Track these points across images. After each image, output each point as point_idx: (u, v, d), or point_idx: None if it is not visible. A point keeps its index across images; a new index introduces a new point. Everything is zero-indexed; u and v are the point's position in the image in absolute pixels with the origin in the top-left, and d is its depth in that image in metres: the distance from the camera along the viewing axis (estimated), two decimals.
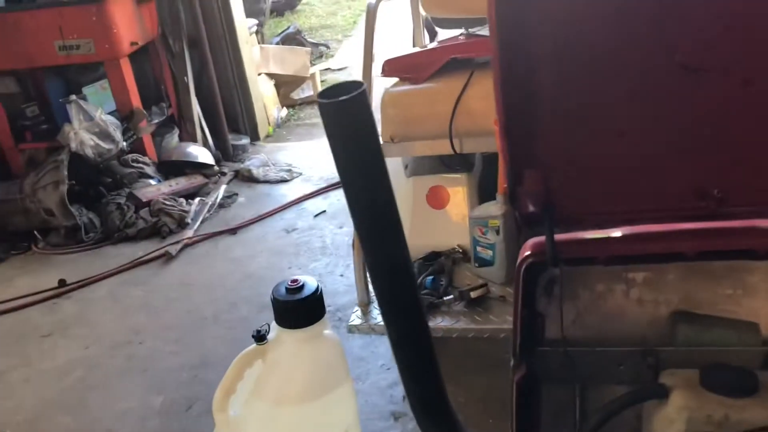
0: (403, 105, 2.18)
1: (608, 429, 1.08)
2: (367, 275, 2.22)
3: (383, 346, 2.59)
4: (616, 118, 1.07)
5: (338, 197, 3.83)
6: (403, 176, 2.41)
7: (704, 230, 1.07)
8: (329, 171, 4.11)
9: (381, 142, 2.25)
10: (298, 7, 8.53)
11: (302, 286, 1.78)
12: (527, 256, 1.06)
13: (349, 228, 3.47)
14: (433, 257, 2.31)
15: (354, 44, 6.85)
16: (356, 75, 6.06)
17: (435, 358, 1.04)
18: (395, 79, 2.27)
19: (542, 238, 1.08)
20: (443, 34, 2.89)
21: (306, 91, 5.45)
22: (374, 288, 0.98)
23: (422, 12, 2.79)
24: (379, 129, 2.26)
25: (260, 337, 1.79)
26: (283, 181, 4.10)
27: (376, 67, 2.28)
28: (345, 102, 0.78)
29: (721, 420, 0.97)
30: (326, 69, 6.14)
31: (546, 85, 1.03)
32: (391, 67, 2.22)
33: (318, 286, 1.79)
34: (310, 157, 4.36)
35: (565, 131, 1.05)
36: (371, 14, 2.30)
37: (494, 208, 2.11)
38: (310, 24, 7.88)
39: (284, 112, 5.16)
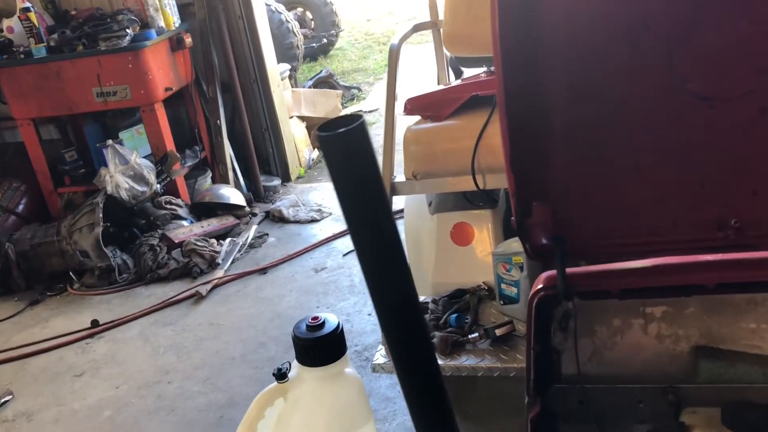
0: (425, 142, 2.18)
1: None
2: None
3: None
4: (630, 149, 1.05)
5: None
6: (427, 213, 2.41)
7: (724, 261, 1.04)
8: None
9: (398, 178, 2.26)
10: (331, 52, 8.71)
11: (323, 323, 1.77)
12: (539, 290, 1.04)
13: None
14: (458, 294, 2.28)
15: (383, 87, 6.95)
16: None
17: (448, 401, 1.01)
18: (417, 118, 2.28)
19: (555, 272, 1.06)
20: (468, 73, 2.91)
21: None
22: (380, 325, 0.97)
23: (446, 53, 2.82)
24: (402, 167, 2.27)
25: (281, 375, 1.78)
26: (313, 221, 4.12)
27: (399, 107, 2.30)
28: (344, 134, 0.78)
29: None
30: (358, 111, 6.22)
31: (556, 116, 1.03)
32: (413, 105, 2.24)
33: (339, 323, 1.78)
34: None
35: (576, 162, 1.04)
36: (394, 55, 2.32)
37: (517, 245, 2.07)
38: (342, 68, 8.02)
39: (315, 153, 5.22)
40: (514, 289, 2.13)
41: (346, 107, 5.98)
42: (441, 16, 2.74)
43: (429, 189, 2.23)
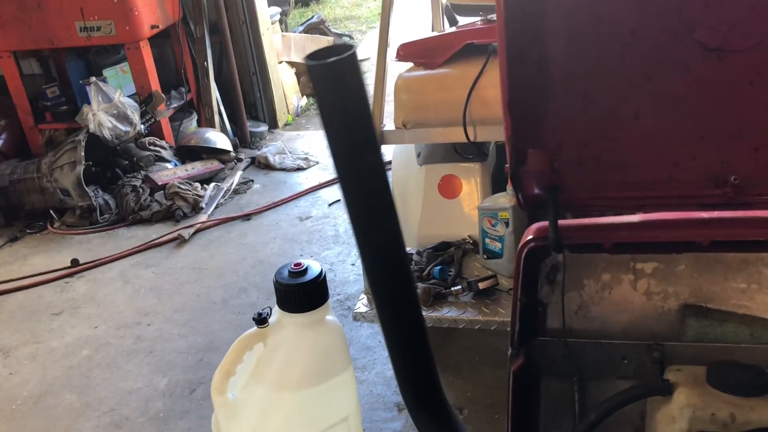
0: (417, 90, 2.13)
1: (610, 424, 1.03)
2: None
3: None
4: (630, 98, 1.02)
5: None
6: (415, 164, 2.37)
7: (720, 219, 1.01)
8: None
9: (387, 126, 2.20)
10: None
11: (306, 270, 1.74)
12: (529, 240, 1.02)
13: None
14: (443, 247, 2.26)
15: (377, 36, 6.81)
16: None
17: (428, 345, 0.99)
18: (410, 65, 2.22)
19: (546, 223, 1.03)
20: (463, 21, 2.84)
21: None
22: (364, 267, 0.94)
23: None
24: (392, 116, 2.22)
25: (261, 320, 1.76)
26: (300, 169, 4.07)
27: (391, 53, 2.23)
28: (335, 63, 0.74)
29: (726, 420, 0.91)
30: None
31: (556, 60, 0.99)
32: (406, 52, 2.17)
33: (322, 270, 1.76)
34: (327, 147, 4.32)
35: (576, 110, 1.00)
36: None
37: (504, 200, 2.05)
38: (334, 15, 7.84)
39: (304, 100, 5.13)
40: (498, 244, 2.11)
41: None
42: None
43: (418, 139, 2.19)
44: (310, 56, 0.77)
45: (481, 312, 2.01)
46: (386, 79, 2.20)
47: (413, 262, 2.19)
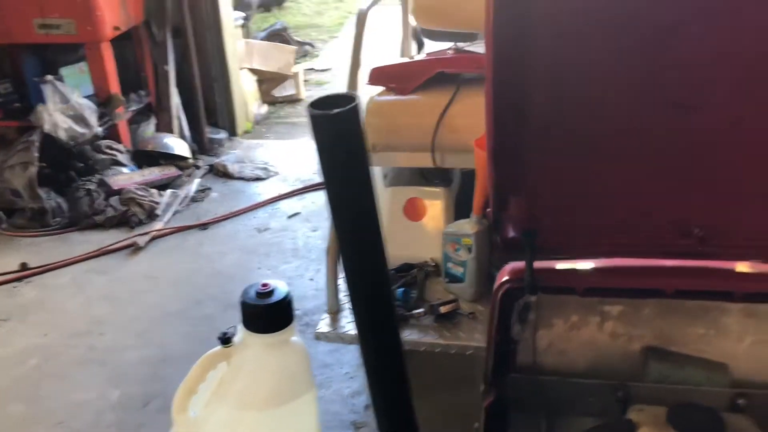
0: (388, 115, 2.16)
1: None
2: (338, 283, 2.20)
3: (349, 354, 2.57)
4: (604, 150, 1.07)
5: (313, 199, 3.80)
6: (381, 185, 2.40)
7: (683, 268, 1.08)
8: (306, 172, 4.08)
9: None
10: (286, 4, 8.48)
11: (272, 291, 1.75)
12: (505, 281, 1.06)
13: (322, 231, 3.45)
14: (405, 268, 2.29)
15: (339, 46, 6.83)
16: (340, 77, 6.04)
17: (406, 371, 1.02)
18: (381, 88, 2.25)
19: (521, 264, 1.07)
20: (430, 45, 2.89)
21: (288, 90, 5.42)
22: (351, 297, 0.97)
23: (412, 22, 2.78)
24: None
25: (226, 340, 1.77)
26: (259, 179, 4.05)
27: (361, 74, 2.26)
28: (337, 115, 0.76)
29: None
30: (310, 69, 6.11)
31: (538, 112, 1.03)
32: (377, 76, 2.21)
33: (288, 292, 1.77)
34: (287, 157, 4.32)
35: (553, 160, 1.05)
36: (361, 20, 2.27)
37: (468, 226, 2.10)
38: (296, 22, 7.82)
39: (264, 108, 5.11)
40: (461, 269, 2.16)
41: (298, 63, 5.84)
42: None
43: (387, 162, 2.22)
44: (313, 104, 0.79)
45: (442, 336, 2.05)
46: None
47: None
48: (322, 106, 0.78)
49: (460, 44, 2.32)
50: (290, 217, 3.62)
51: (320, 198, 3.83)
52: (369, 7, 2.33)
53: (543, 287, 1.06)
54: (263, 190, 3.93)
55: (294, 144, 4.56)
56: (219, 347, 1.78)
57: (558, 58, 1.05)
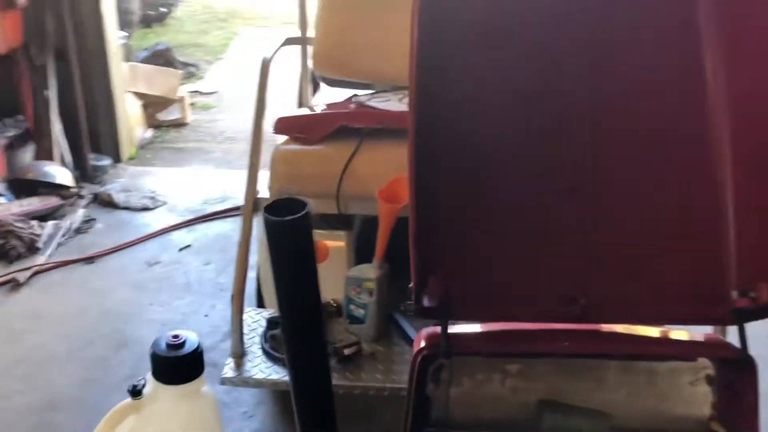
0: (294, 163, 2.25)
1: None
2: (243, 327, 2.25)
3: (247, 393, 2.60)
4: (506, 230, 1.23)
5: (205, 231, 3.79)
6: None
7: (569, 332, 1.25)
8: (196, 202, 4.05)
9: (262, 194, 2.29)
10: (167, 21, 8.30)
11: (184, 342, 1.79)
12: (423, 348, 1.19)
13: (215, 265, 3.46)
14: None
15: (224, 68, 6.80)
16: (226, 101, 6.02)
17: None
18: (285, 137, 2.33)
19: (435, 330, 1.21)
20: (323, 88, 3.00)
21: (173, 113, 5.34)
22: (290, 370, 1.05)
23: (310, 67, 2.88)
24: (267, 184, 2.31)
25: (136, 392, 1.78)
26: (146, 209, 3.98)
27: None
28: (291, 221, 0.86)
29: None
30: (195, 91, 6.03)
31: (450, 199, 1.17)
32: (283, 126, 2.29)
33: (199, 342, 1.82)
34: (175, 185, 4.26)
35: (463, 240, 1.20)
36: (264, 68, 2.35)
37: (370, 271, 2.23)
38: (179, 40, 7.67)
39: (149, 133, 5.01)
40: (362, 311, 2.28)
41: (182, 84, 5.76)
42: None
43: None
44: (267, 209, 0.88)
45: (345, 377, 2.15)
46: (261, 150, 2.29)
47: (280, 326, 2.29)
48: (275, 212, 0.87)
49: (362, 97, 2.45)
50: (181, 250, 3.59)
51: (211, 229, 3.82)
52: (272, 56, 2.41)
53: (455, 352, 1.19)
54: (152, 221, 3.86)
55: (182, 172, 4.51)
56: (128, 400, 1.79)
57: (466, 143, 1.20)
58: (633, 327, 1.29)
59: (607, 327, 1.26)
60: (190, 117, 5.43)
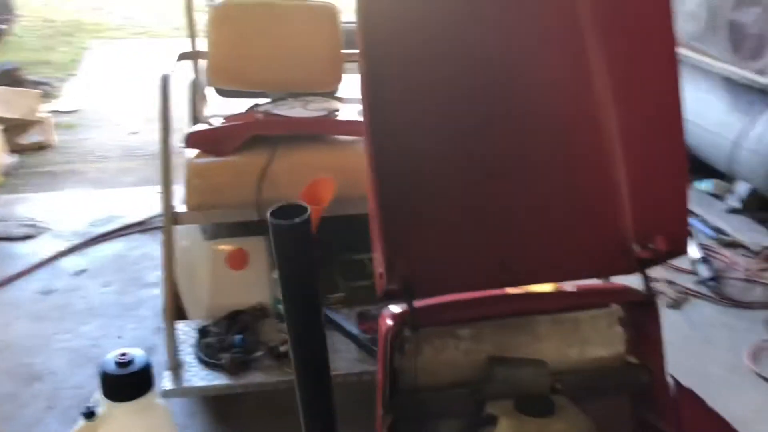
0: (210, 176, 2.31)
1: None
2: (177, 341, 2.29)
3: (177, 406, 2.62)
4: (445, 218, 1.42)
5: (97, 253, 3.70)
6: (200, 241, 2.53)
7: (507, 296, 1.47)
8: (81, 225, 3.94)
9: (179, 208, 2.34)
10: (7, 38, 7.79)
11: (132, 360, 1.84)
12: (393, 326, 1.35)
13: (115, 286, 3.40)
14: (234, 316, 2.46)
15: (80, 85, 6.53)
16: (90, 119, 5.80)
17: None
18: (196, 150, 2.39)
19: (398, 308, 1.38)
20: (213, 100, 3.06)
21: (34, 136, 5.09)
22: (293, 355, 1.17)
23: (201, 80, 2.93)
24: (184, 198, 2.36)
25: (90, 414, 1.80)
26: (28, 237, 3.80)
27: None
28: (296, 224, 0.99)
29: None
30: (54, 111, 5.76)
31: (403, 197, 1.34)
32: (195, 140, 2.35)
33: (147, 356, 1.87)
34: (55, 210, 4.10)
35: (415, 233, 1.37)
36: (165, 84, 2.37)
37: None
38: (22, 58, 7.22)
39: (13, 158, 4.74)
40: None
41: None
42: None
43: (212, 219, 2.37)
44: (273, 213, 1.01)
45: (284, 373, 2.26)
46: (171, 164, 2.32)
47: (212, 334, 2.35)
48: (279, 215, 0.99)
49: (265, 105, 2.56)
50: (77, 274, 3.49)
51: (104, 251, 3.74)
52: (171, 72, 2.45)
53: (418, 325, 1.37)
54: (37, 249, 3.70)
55: (58, 196, 4.34)
56: (83, 423, 1.80)
57: (412, 140, 1.38)
58: (557, 285, 1.52)
59: (535, 288, 1.49)
60: (56, 138, 5.20)
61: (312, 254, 1.04)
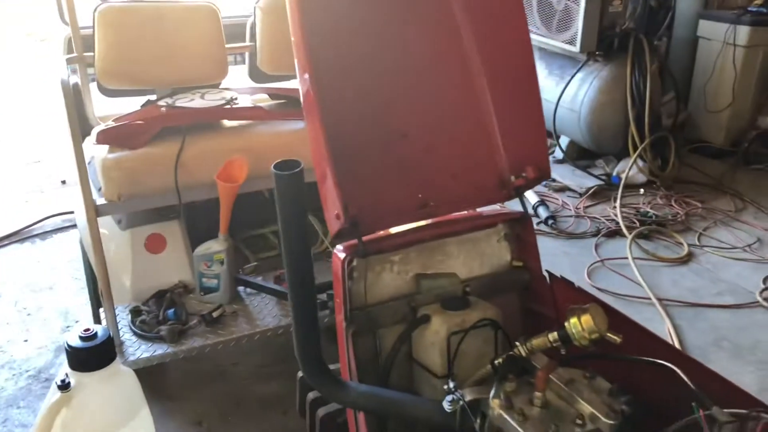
0: (126, 168, 2.50)
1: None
2: (118, 321, 2.48)
3: None
4: (377, 168, 1.81)
5: None
6: (116, 230, 2.70)
7: (427, 225, 1.90)
8: None
9: (99, 201, 2.52)
10: None
11: (96, 333, 2.05)
12: (347, 256, 1.72)
13: (7, 297, 3.41)
14: (160, 295, 2.67)
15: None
16: None
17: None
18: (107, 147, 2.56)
19: (349, 242, 1.75)
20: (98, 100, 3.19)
21: None
22: (290, 289, 1.50)
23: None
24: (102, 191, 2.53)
25: (65, 385, 1.99)
26: None
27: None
28: (293, 174, 1.34)
29: (460, 323, 1.78)
30: None
31: (346, 152, 1.71)
32: (106, 137, 2.52)
33: (107, 328, 2.09)
34: None
35: (357, 180, 1.74)
36: (66, 89, 2.51)
37: (217, 245, 2.63)
38: None
39: None
40: (215, 281, 2.67)
41: None
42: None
43: (134, 208, 2.57)
44: (276, 166, 1.34)
45: (218, 335, 2.54)
46: (84, 161, 2.49)
47: (145, 313, 2.56)
48: (281, 169, 1.33)
49: (164, 100, 2.77)
50: None
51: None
52: (69, 77, 2.60)
53: (367, 254, 1.75)
54: None
55: None
56: (58, 395, 1.98)
57: (347, 113, 1.75)
58: (459, 213, 1.97)
59: (448, 217, 1.92)
60: None
61: (303, 197, 1.38)
